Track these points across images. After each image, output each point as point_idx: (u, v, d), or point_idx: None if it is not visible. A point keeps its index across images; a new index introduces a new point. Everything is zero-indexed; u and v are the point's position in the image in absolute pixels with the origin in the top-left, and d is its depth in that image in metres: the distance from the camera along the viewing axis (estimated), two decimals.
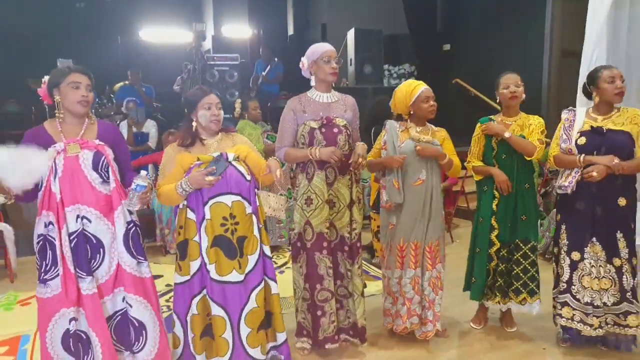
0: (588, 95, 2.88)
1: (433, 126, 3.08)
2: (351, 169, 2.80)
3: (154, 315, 2.48)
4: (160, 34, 10.68)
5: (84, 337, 2.35)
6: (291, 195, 2.97)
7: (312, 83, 2.87)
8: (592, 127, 2.75)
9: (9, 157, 2.15)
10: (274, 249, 4.71)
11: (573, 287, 2.81)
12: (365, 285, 3.01)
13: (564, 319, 2.85)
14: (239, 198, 2.50)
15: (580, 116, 2.82)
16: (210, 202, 2.46)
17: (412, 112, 2.98)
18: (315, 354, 2.94)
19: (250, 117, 4.89)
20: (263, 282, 2.59)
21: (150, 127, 6.00)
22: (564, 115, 2.91)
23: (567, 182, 2.79)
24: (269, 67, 7.80)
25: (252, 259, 2.56)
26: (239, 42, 10.10)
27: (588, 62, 4.10)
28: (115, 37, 9.51)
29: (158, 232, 5.00)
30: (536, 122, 3.00)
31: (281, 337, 2.71)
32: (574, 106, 3.90)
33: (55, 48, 7.57)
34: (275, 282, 2.67)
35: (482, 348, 3.01)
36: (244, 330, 2.53)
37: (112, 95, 7.75)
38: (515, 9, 6.59)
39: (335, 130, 2.79)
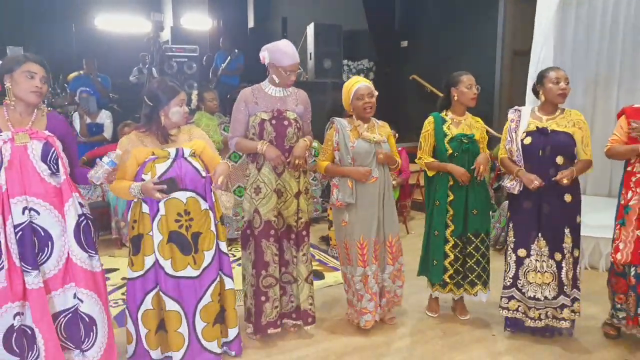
0: (536, 93, 3.01)
1: (376, 121, 3.12)
2: (289, 169, 2.86)
3: (103, 310, 2.45)
4: (117, 22, 10.39)
5: (30, 332, 2.27)
6: (242, 192, 3.00)
7: (268, 78, 2.92)
8: (537, 127, 2.88)
9: None
10: (231, 241, 4.72)
11: (519, 281, 2.95)
12: (311, 272, 3.09)
13: (510, 311, 3.01)
14: (193, 194, 2.49)
15: (526, 116, 2.95)
16: (165, 198, 2.44)
17: (352, 109, 3.04)
18: (262, 339, 3.00)
19: (207, 109, 4.86)
20: (218, 277, 2.61)
21: (105, 118, 5.86)
22: (510, 115, 2.99)
23: (510, 183, 2.93)
24: (229, 58, 7.76)
25: (208, 255, 2.55)
26: (198, 33, 9.97)
27: (536, 62, 4.27)
28: (70, 24, 9.18)
29: (113, 224, 4.91)
30: (480, 126, 3.18)
31: (232, 333, 2.73)
32: (524, 104, 4.09)
33: (5, 34, 7.27)
34: (231, 278, 2.69)
35: (434, 335, 3.14)
36: (199, 325, 2.55)
37: (65, 85, 7.50)
38: (469, 9, 6.79)
39: (285, 122, 2.86)
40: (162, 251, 2.45)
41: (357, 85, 2.98)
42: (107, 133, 5.80)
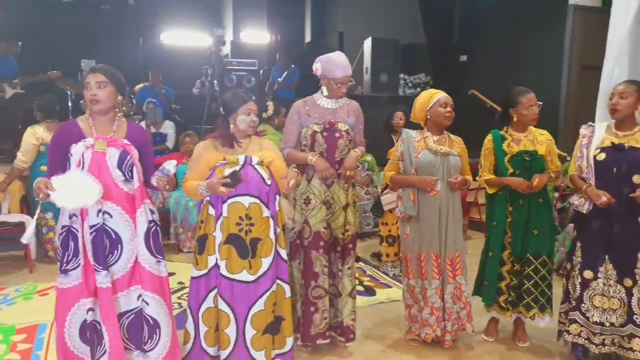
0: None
1: (450, 134, 3.07)
2: (339, 180, 2.88)
3: (168, 314, 2.54)
4: (181, 38, 10.85)
5: (99, 328, 2.40)
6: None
7: (321, 89, 2.95)
8: (612, 143, 2.73)
9: (67, 181, 2.22)
10: None
11: (583, 305, 2.79)
12: (355, 286, 3.06)
13: (571, 335, 2.85)
14: (256, 200, 2.57)
15: (600, 132, 2.81)
16: (229, 200, 2.54)
17: (428, 117, 2.98)
18: (308, 351, 3.01)
19: (279, 122, 4.88)
20: (275, 286, 2.64)
21: (168, 128, 6.14)
22: (582, 131, 2.90)
23: (578, 201, 2.81)
24: (285, 72, 7.89)
25: (265, 262, 2.59)
26: (256, 47, 10.22)
27: (609, 78, 4.10)
28: (138, 39, 9.69)
29: (172, 230, 5.06)
30: (546, 139, 3.04)
31: (289, 343, 2.74)
32: (593, 120, 3.91)
33: (80, 48, 7.74)
34: (289, 285, 2.72)
35: None
36: (249, 332, 2.57)
37: (132, 96, 7.88)
38: (533, 21, 6.60)
39: (337, 134, 2.88)
40: (220, 251, 2.54)
41: (440, 94, 2.95)
42: (170, 142, 6.05)
